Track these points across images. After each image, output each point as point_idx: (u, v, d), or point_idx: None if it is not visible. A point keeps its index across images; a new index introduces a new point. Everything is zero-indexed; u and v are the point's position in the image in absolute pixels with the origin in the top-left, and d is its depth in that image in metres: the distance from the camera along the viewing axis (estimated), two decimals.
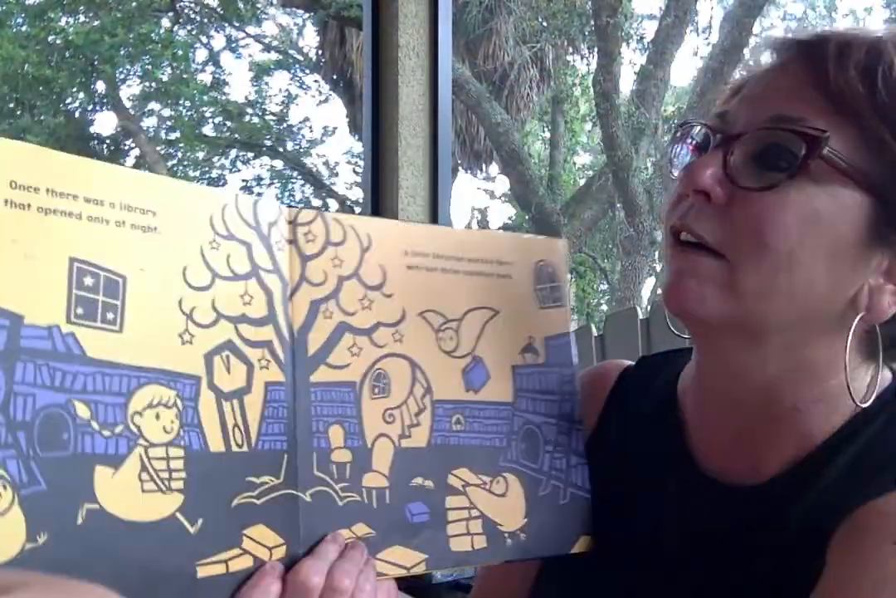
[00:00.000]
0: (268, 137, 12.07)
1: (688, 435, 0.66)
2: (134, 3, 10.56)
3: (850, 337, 0.57)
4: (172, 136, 12.06)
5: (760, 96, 0.58)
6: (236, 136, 11.99)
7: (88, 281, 0.48)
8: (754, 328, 0.57)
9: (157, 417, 0.50)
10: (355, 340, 0.60)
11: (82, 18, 10.81)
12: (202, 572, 0.51)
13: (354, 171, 11.96)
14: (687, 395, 0.68)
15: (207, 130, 11.96)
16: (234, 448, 0.53)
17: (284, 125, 12.16)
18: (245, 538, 0.53)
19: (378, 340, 0.60)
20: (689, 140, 0.62)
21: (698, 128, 0.61)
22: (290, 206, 0.60)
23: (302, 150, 12.26)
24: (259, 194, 12.06)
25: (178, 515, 0.50)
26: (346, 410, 0.58)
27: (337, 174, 12.33)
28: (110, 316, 0.49)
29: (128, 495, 0.48)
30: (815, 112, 0.55)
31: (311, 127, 12.30)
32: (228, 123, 11.97)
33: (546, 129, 12.27)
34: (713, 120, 0.60)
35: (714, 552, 0.60)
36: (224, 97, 11.83)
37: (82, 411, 0.47)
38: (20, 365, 0.45)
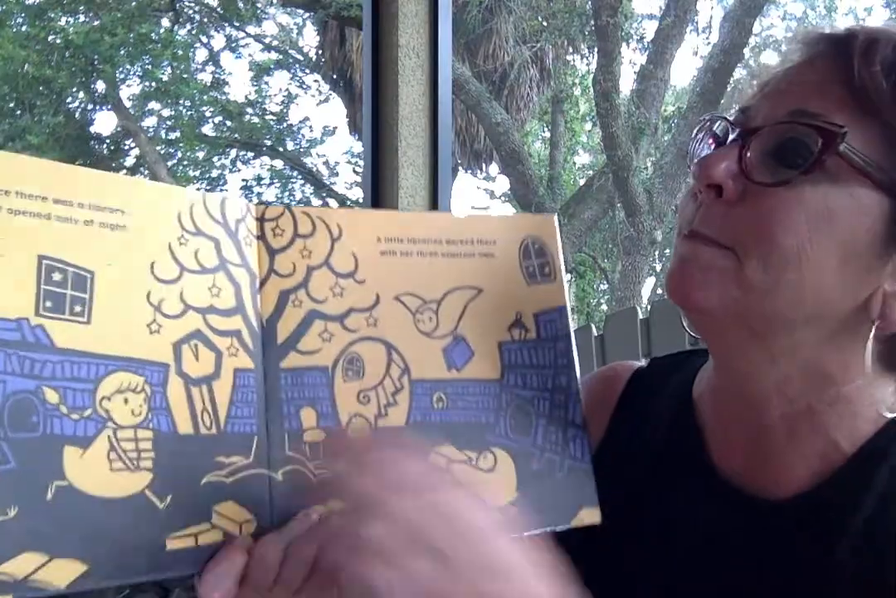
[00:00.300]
0: (268, 136, 12.07)
1: (705, 437, 0.65)
2: (134, 3, 10.56)
3: (868, 345, 0.55)
4: (172, 135, 12.07)
5: (783, 91, 0.56)
6: (236, 135, 11.99)
7: (57, 277, 0.52)
8: (761, 326, 0.56)
9: (126, 401, 0.53)
10: (326, 326, 0.62)
11: (82, 18, 10.81)
12: (171, 544, 0.54)
13: (354, 170, 11.97)
14: (703, 396, 0.67)
15: (207, 129, 11.97)
16: (203, 430, 0.56)
17: (284, 125, 12.16)
18: (215, 514, 0.55)
19: (350, 325, 0.62)
20: (709, 134, 0.61)
21: (719, 122, 0.60)
22: (258, 203, 0.63)
23: (302, 149, 12.26)
24: (259, 194, 12.08)
25: (147, 492, 0.53)
26: (318, 392, 0.60)
27: (337, 174, 12.35)
28: (78, 308, 0.52)
29: (97, 473, 0.51)
30: (837, 108, 0.53)
31: (311, 127, 12.35)
32: (228, 123, 11.98)
33: (546, 128, 12.27)
34: (736, 114, 0.59)
35: (722, 558, 0.59)
36: (224, 97, 11.84)
37: (51, 396, 0.51)
38: None
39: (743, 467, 0.61)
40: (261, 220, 0.62)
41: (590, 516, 0.64)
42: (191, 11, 11.56)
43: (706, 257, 0.55)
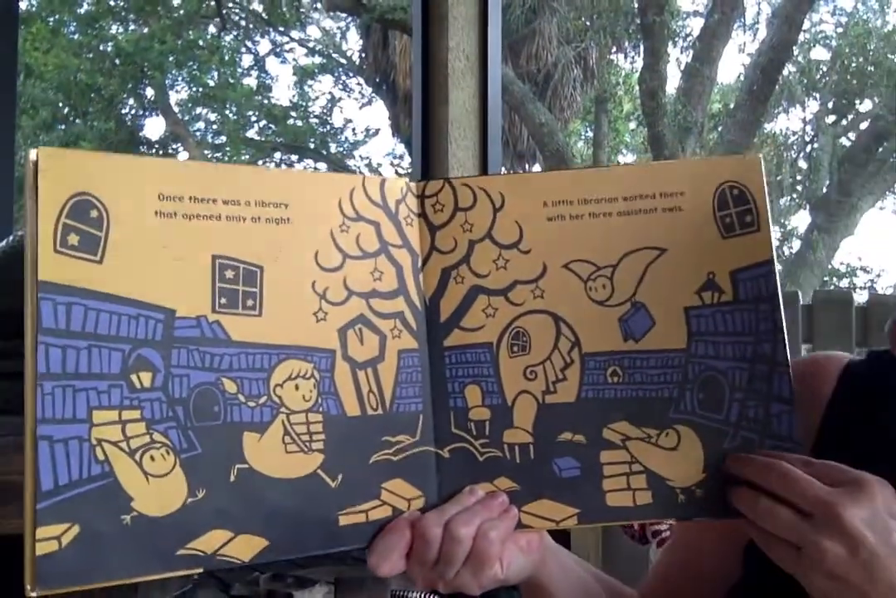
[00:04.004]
0: (312, 139, 12.19)
1: None
2: (182, 11, 10.76)
3: None
4: (219, 140, 12.26)
5: None
6: (281, 139, 12.13)
7: (229, 274, 0.55)
8: None
9: (297, 388, 0.56)
10: (490, 301, 0.61)
11: (132, 26, 11.04)
12: (343, 520, 0.57)
13: (397, 172, 12.02)
14: None
15: (252, 133, 12.13)
16: (370, 412, 0.58)
17: (328, 128, 12.27)
18: (384, 491, 0.58)
19: (515, 298, 0.61)
20: None
21: None
22: (419, 180, 0.62)
23: (345, 152, 12.36)
24: None
25: (320, 472, 0.56)
26: (483, 370, 0.60)
27: (380, 175, 12.41)
28: (250, 303, 0.55)
29: (273, 456, 0.55)
30: None
31: (353, 129, 12.41)
32: (273, 127, 12.12)
33: (589, 128, 12.18)
34: None
35: None
36: (269, 101, 11.99)
37: (230, 386, 0.54)
38: (175, 351, 0.53)
39: None
40: (421, 197, 0.62)
41: None
42: (237, 17, 11.73)
43: None
